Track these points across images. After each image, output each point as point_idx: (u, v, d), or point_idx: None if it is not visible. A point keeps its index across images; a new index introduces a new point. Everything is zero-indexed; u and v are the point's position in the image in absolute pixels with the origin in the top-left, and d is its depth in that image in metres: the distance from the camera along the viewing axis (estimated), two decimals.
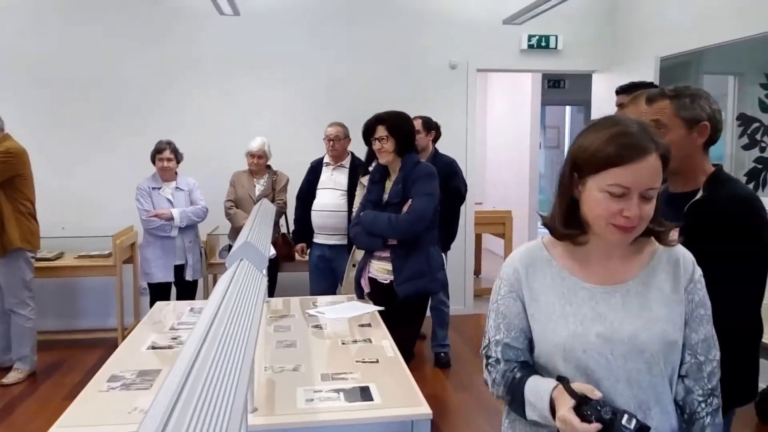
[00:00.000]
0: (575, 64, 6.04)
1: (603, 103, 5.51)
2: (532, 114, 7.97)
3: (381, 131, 3.18)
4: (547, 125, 13.37)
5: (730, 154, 4.93)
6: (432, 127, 4.64)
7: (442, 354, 4.70)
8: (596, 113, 5.66)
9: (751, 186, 4.52)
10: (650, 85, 3.57)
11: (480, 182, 8.83)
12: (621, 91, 3.60)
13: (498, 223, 6.99)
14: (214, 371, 0.98)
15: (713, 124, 1.84)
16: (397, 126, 3.19)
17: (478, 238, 7.42)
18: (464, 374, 4.56)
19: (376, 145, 3.20)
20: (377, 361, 2.41)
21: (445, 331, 4.73)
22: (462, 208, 5.02)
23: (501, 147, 8.89)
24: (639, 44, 5.46)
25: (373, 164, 3.38)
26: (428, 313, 4.78)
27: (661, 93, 1.88)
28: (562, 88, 9.58)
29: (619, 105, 3.53)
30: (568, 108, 11.94)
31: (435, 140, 4.70)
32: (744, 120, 4.67)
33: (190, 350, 1.02)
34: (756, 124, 4.52)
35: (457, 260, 5.65)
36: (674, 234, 1.86)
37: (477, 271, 7.44)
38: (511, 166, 8.44)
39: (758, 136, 4.49)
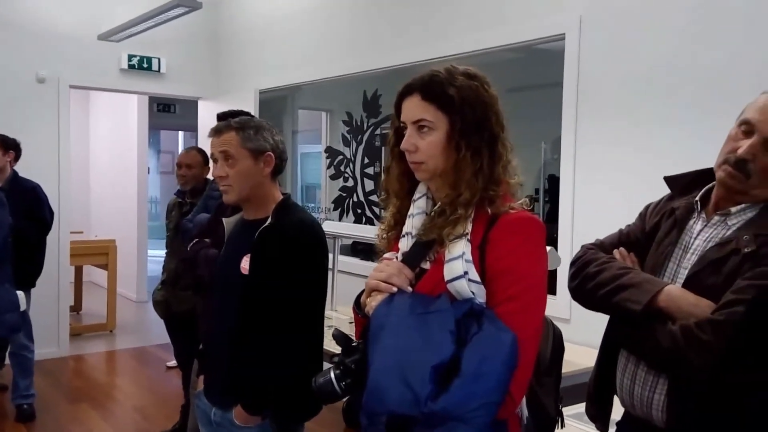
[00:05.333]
0: (180, 90, 5.95)
1: (209, 129, 5.56)
2: (139, 137, 7.60)
3: None
4: (162, 150, 13.04)
5: (324, 184, 5.42)
6: (10, 146, 4.05)
7: (25, 406, 4.07)
8: (203, 140, 5.67)
9: (337, 212, 5.02)
10: (248, 114, 3.70)
11: (84, 209, 8.15)
12: (221, 117, 3.64)
13: (101, 254, 6.43)
14: None
15: (277, 154, 1.96)
16: None
17: (79, 270, 6.76)
18: (54, 425, 4.03)
19: None
20: None
21: (29, 379, 4.11)
22: (55, 238, 4.52)
23: (107, 171, 8.29)
24: (240, 75, 5.64)
25: None
26: (8, 360, 4.18)
27: (227, 125, 1.95)
28: (173, 113, 9.43)
29: None
30: (181, 133, 11.84)
31: (15, 160, 4.11)
32: (331, 153, 5.17)
33: None
34: (340, 157, 5.04)
35: (47, 297, 4.99)
36: (245, 260, 1.91)
37: (77, 308, 6.76)
38: (119, 191, 7.92)
39: (342, 168, 5.01)
